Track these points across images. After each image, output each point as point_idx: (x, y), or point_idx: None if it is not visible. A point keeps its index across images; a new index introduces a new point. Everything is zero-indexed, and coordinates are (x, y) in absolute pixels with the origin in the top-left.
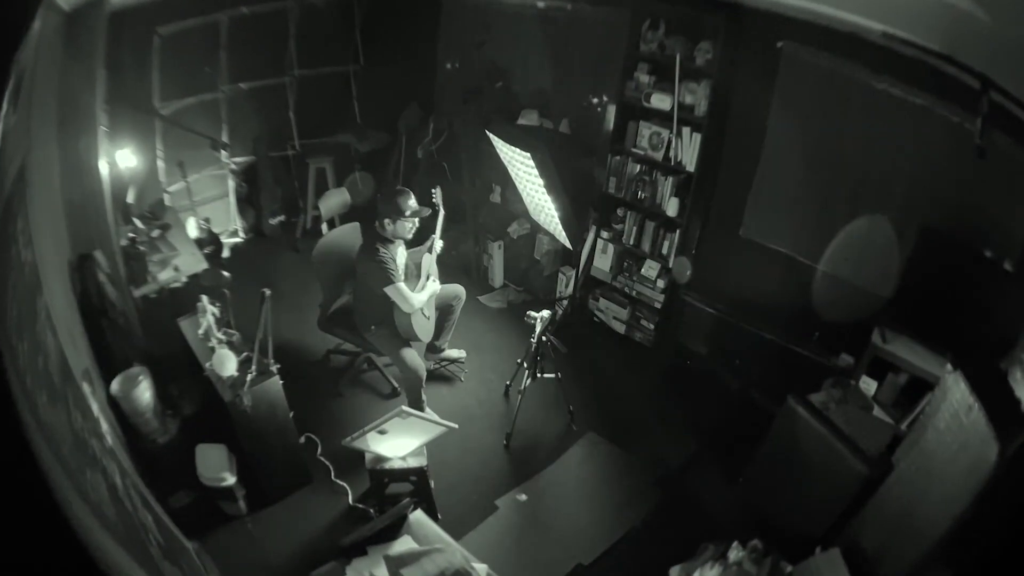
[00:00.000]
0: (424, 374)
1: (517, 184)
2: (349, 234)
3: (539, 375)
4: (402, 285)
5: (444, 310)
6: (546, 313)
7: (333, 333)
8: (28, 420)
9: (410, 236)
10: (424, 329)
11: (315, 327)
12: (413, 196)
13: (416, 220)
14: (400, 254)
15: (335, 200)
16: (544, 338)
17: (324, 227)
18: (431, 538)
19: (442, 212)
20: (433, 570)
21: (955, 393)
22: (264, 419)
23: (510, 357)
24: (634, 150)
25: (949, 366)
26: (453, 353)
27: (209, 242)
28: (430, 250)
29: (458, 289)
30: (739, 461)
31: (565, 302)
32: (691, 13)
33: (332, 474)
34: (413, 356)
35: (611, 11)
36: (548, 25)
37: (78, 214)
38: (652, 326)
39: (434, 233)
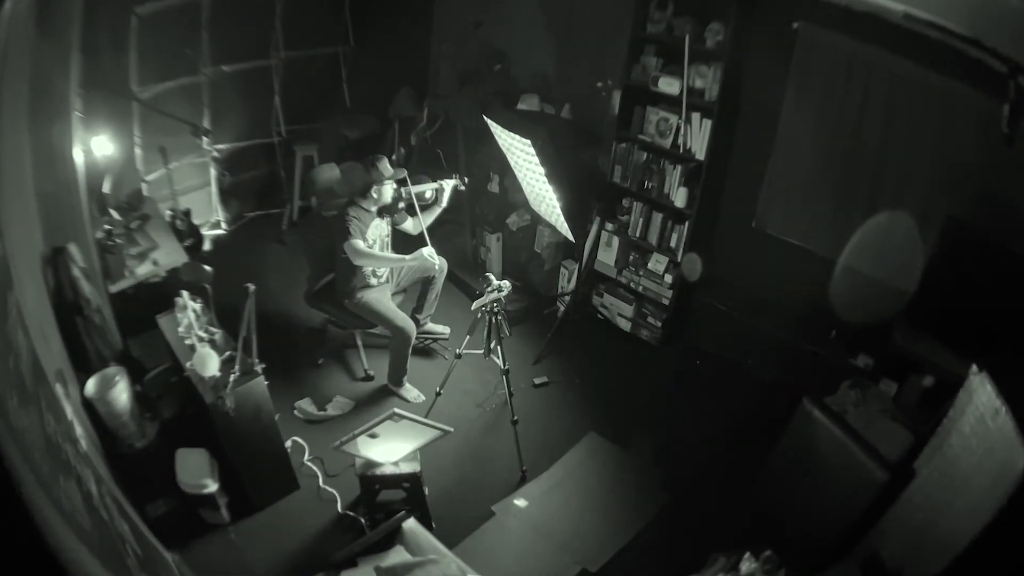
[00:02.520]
0: (414, 331)
1: (516, 173)
2: None
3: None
4: (358, 241)
5: (425, 282)
6: (506, 284)
7: (320, 308)
8: None
9: (390, 200)
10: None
11: (303, 323)
12: (387, 159)
13: (394, 184)
14: (375, 224)
15: (327, 176)
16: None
17: (313, 200)
18: (425, 548)
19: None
20: None
21: (981, 396)
22: (248, 422)
23: (509, 357)
24: (640, 137)
25: (974, 367)
26: (437, 328)
27: (190, 234)
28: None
29: (439, 261)
30: (751, 467)
31: (567, 298)
32: None
33: (320, 480)
34: (399, 312)
35: None
36: (549, 4)
37: (51, 205)
38: (659, 323)
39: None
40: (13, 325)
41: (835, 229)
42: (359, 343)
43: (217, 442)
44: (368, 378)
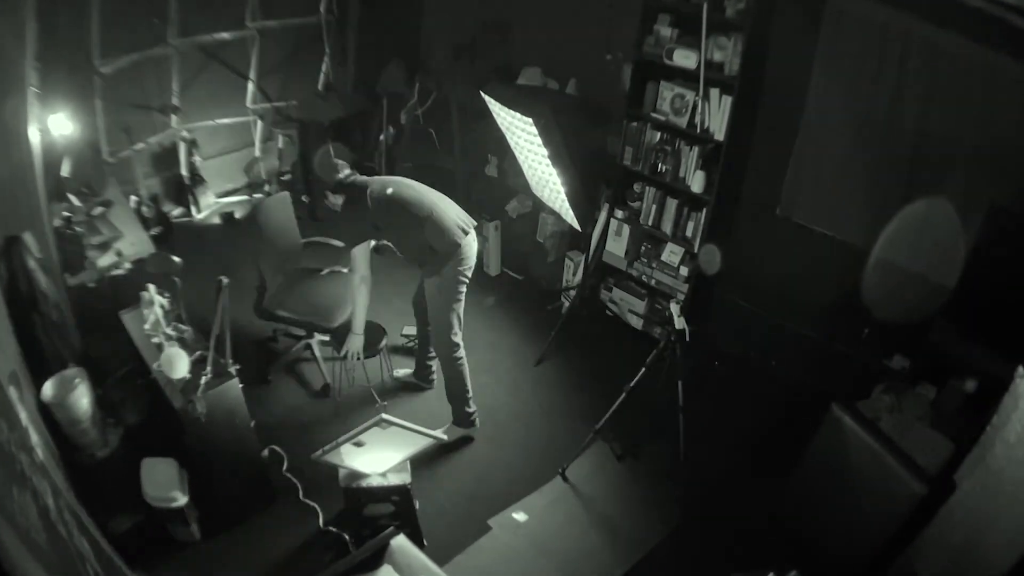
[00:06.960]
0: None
1: (516, 154)
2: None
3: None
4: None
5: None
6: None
7: (274, 319)
8: None
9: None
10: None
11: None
12: (341, 147)
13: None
14: None
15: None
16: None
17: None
18: (415, 567)
19: None
20: None
21: None
22: (221, 429)
23: (508, 357)
24: (654, 115)
25: (1021, 369)
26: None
27: (157, 222)
28: None
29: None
30: (775, 478)
31: (573, 293)
32: None
33: (300, 493)
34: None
35: None
36: None
37: (4, 190)
38: None
39: None
40: None
41: (868, 217)
42: (317, 354)
43: (187, 451)
44: (325, 393)
